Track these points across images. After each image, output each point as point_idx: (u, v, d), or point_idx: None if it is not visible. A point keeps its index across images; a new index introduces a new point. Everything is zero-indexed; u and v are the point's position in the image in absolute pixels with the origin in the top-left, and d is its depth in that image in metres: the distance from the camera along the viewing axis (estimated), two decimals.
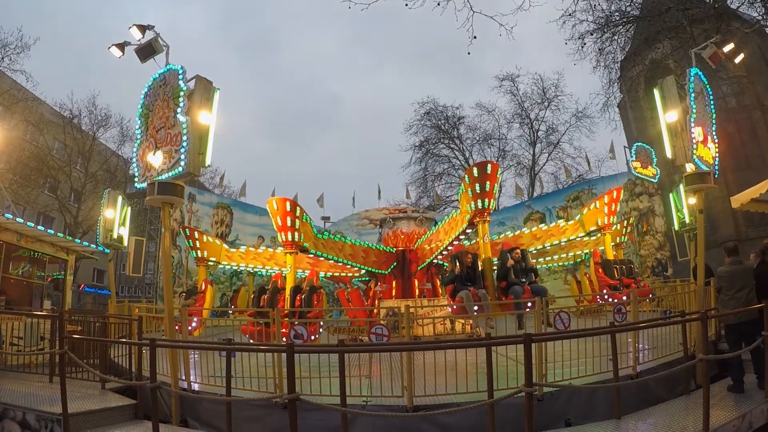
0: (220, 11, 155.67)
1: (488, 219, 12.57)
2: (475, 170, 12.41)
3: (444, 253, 15.47)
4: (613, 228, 17.38)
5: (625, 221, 20.06)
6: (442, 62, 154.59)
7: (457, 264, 12.21)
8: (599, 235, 17.00)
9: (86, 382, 9.12)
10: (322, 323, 13.81)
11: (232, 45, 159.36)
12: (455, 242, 14.40)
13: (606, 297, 14.21)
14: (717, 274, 8.84)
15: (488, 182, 12.11)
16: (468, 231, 13.48)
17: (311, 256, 16.16)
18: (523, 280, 12.04)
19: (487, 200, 12.18)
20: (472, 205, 12.29)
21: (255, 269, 21.30)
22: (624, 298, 11.41)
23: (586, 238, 17.85)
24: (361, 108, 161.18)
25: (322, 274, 20.16)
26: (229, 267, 21.73)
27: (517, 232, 19.06)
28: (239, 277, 27.66)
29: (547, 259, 21.52)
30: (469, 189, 12.33)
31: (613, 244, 17.51)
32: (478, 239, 13.19)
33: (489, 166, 12.34)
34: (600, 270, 15.76)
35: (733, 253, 8.60)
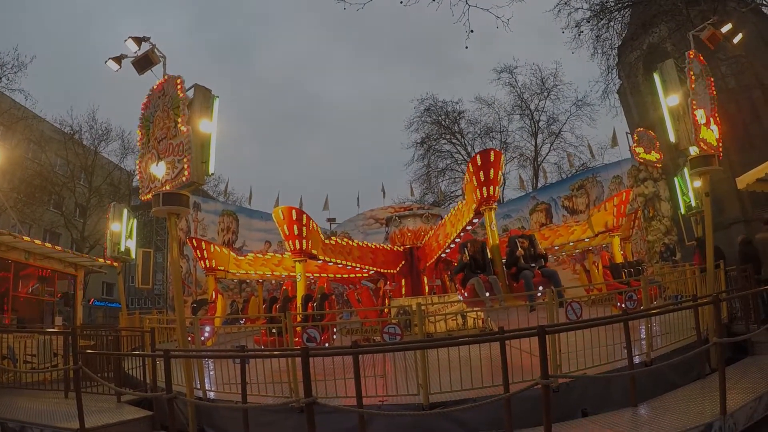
0: (195, 17, 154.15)
1: (494, 207, 12.49)
2: (478, 159, 12.38)
3: (452, 246, 15.43)
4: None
5: (633, 215, 20.02)
6: (422, 54, 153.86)
7: (466, 252, 12.20)
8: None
9: (101, 395, 9.12)
10: (335, 329, 13.80)
11: (206, 49, 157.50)
12: (462, 233, 14.36)
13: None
14: (756, 240, 10.18)
15: (492, 170, 12.06)
16: (475, 221, 13.43)
17: (320, 262, 16.15)
18: (533, 265, 12.02)
19: (492, 188, 12.13)
20: (478, 194, 12.26)
21: (264, 278, 21.29)
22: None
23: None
24: (351, 106, 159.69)
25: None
26: (237, 278, 21.74)
27: (525, 231, 19.04)
28: (248, 283, 27.68)
29: (555, 249, 21.51)
30: (474, 178, 12.29)
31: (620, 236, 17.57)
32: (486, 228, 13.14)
33: (492, 154, 12.30)
34: (608, 273, 15.78)
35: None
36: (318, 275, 19.80)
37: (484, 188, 12.13)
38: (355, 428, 6.05)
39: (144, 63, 8.64)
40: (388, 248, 19.63)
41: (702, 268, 11.24)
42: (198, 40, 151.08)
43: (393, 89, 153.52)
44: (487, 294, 11.28)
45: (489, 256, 12.36)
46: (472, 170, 12.49)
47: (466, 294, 12.03)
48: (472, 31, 14.63)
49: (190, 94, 8.09)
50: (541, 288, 10.99)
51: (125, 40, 8.69)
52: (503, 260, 12.48)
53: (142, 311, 25.58)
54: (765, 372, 7.76)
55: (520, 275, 11.74)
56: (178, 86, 8.09)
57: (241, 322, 18.67)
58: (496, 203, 12.65)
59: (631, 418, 6.53)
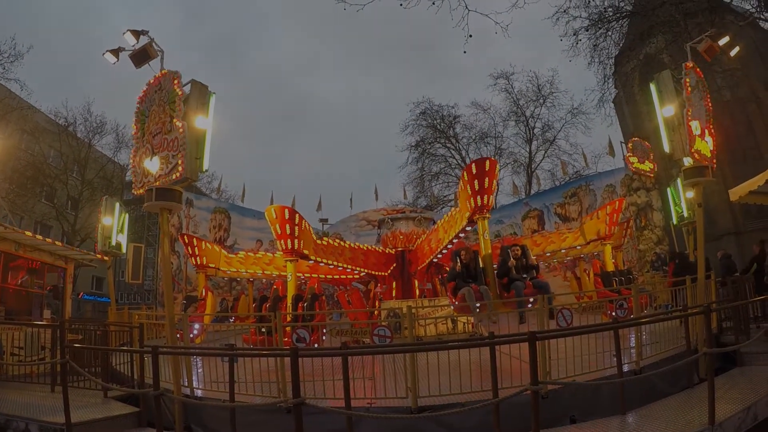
0: (188, 14, 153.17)
1: (488, 216, 12.45)
2: (473, 167, 12.32)
3: (444, 252, 15.42)
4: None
5: (626, 223, 20.10)
6: (418, 57, 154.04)
7: (458, 260, 12.16)
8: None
9: (88, 390, 9.06)
10: (325, 330, 13.78)
11: (200, 47, 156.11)
12: (455, 240, 14.35)
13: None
14: None
15: (487, 179, 12.01)
16: (468, 229, 13.41)
17: (311, 262, 16.13)
18: (525, 276, 12.00)
19: (486, 197, 12.08)
20: (472, 202, 12.24)
21: (254, 276, 21.24)
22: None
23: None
24: (345, 107, 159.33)
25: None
26: (228, 276, 21.70)
27: (517, 237, 19.12)
28: (238, 282, 27.59)
29: (547, 255, 21.52)
30: (468, 186, 12.26)
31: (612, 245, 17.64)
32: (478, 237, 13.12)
33: (487, 163, 12.24)
34: (599, 281, 15.82)
35: None
36: (309, 275, 19.78)
37: (479, 197, 12.08)
38: (343, 430, 6.03)
39: (141, 57, 8.57)
40: (380, 250, 19.63)
41: (676, 281, 11.40)
42: (191, 37, 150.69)
43: (388, 91, 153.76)
44: (477, 304, 11.27)
45: (481, 266, 12.34)
46: (466, 178, 12.44)
47: (456, 302, 12.02)
48: (471, 36, 14.61)
49: (187, 89, 8.05)
50: (531, 300, 11.00)
51: (123, 33, 8.63)
52: (495, 270, 12.47)
53: (131, 306, 25.40)
54: (753, 383, 7.77)
55: (512, 286, 11.72)
56: (175, 81, 8.05)
57: (231, 320, 18.59)
58: (489, 212, 12.62)
59: (619, 426, 6.52)
